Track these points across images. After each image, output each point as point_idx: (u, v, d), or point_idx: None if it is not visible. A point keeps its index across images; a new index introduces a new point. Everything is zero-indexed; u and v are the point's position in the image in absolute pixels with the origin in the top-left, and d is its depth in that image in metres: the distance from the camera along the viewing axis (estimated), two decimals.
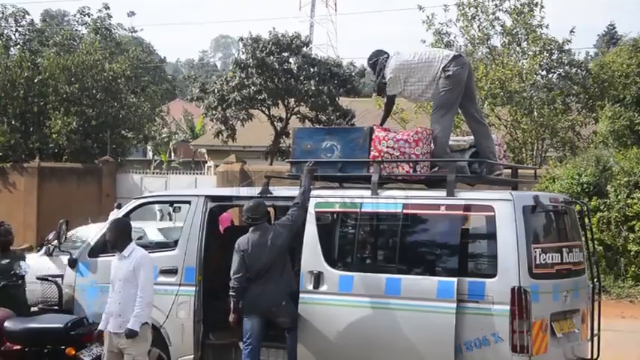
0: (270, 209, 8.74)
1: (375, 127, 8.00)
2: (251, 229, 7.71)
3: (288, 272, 7.76)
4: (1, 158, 25.30)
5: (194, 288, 8.25)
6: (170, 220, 17.81)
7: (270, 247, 7.60)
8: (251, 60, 23.77)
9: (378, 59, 8.41)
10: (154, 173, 26.79)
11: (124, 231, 7.60)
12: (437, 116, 8.04)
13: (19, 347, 8.03)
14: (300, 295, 7.65)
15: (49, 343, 8.00)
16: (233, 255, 7.65)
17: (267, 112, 24.87)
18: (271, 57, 23.76)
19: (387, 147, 7.73)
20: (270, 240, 7.61)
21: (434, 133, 7.95)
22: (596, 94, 21.01)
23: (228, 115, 24.17)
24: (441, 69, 7.98)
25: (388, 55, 8.37)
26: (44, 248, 13.34)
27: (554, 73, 21.63)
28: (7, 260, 9.03)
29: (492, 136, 8.47)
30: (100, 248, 8.69)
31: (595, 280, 8.06)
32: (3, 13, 29.80)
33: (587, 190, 16.21)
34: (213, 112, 24.44)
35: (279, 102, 24.60)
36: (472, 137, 8.40)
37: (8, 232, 9.25)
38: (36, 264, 11.66)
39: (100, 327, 7.49)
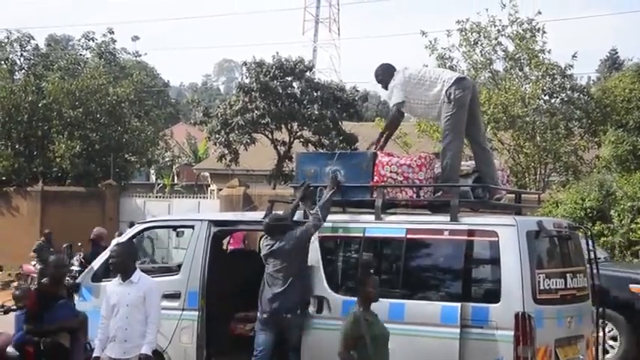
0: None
1: (378, 152, 8.02)
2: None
3: (304, 282, 7.72)
4: (5, 182, 25.30)
5: (197, 312, 8.25)
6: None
7: (282, 253, 7.69)
8: (254, 84, 23.84)
9: (383, 76, 8.44)
10: (157, 197, 26.75)
11: (133, 256, 7.61)
12: (445, 142, 8.04)
13: None
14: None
15: None
16: None
17: (270, 136, 24.91)
18: (275, 81, 23.83)
19: (391, 172, 7.74)
20: (282, 246, 7.72)
21: (444, 160, 7.93)
22: (599, 118, 21.02)
23: (231, 139, 24.20)
24: (444, 92, 7.99)
25: (395, 70, 8.42)
26: None
27: (557, 97, 21.66)
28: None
29: (495, 161, 8.48)
30: (103, 273, 8.68)
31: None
32: (8, 38, 29.91)
33: (590, 214, 16.16)
34: (217, 135, 24.47)
35: (283, 126, 24.64)
36: (474, 162, 8.41)
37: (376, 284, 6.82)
38: None
39: (95, 354, 7.40)
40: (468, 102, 8.07)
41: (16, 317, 7.18)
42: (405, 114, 8.96)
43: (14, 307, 9.01)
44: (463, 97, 8.00)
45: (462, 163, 8.36)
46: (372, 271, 7.14)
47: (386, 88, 8.45)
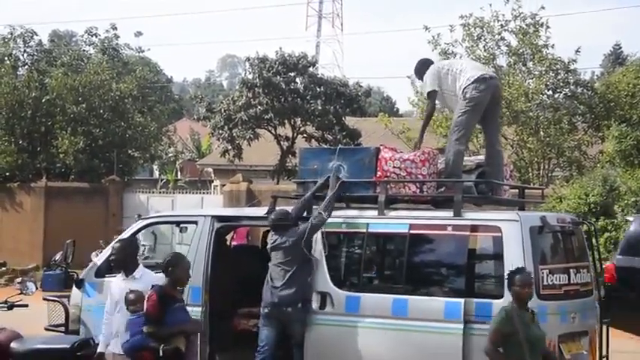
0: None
1: (381, 147, 8.01)
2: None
3: (305, 277, 7.72)
4: (8, 178, 25.33)
5: (200, 308, 8.24)
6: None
7: (284, 249, 7.71)
8: (258, 80, 23.83)
9: (420, 72, 8.50)
10: (160, 192, 26.78)
11: (133, 251, 7.61)
12: (453, 138, 8.01)
13: None
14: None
15: None
16: None
17: (273, 132, 24.91)
18: (278, 77, 23.82)
19: (394, 167, 7.74)
20: (284, 242, 7.74)
21: (448, 156, 7.92)
22: (603, 113, 20.97)
23: (234, 134, 24.21)
24: (463, 88, 7.96)
25: (432, 63, 8.47)
26: None
27: (560, 92, 21.60)
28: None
29: (504, 159, 8.45)
30: (107, 268, 8.69)
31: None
32: (12, 33, 29.83)
33: (594, 210, 16.14)
34: (220, 131, 24.49)
35: (286, 121, 24.64)
36: (478, 157, 8.40)
37: (526, 283, 6.57)
38: None
39: (99, 349, 7.42)
40: (484, 102, 7.98)
41: (129, 322, 7.05)
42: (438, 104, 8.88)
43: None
44: (479, 97, 7.92)
45: (466, 158, 8.34)
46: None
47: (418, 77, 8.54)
